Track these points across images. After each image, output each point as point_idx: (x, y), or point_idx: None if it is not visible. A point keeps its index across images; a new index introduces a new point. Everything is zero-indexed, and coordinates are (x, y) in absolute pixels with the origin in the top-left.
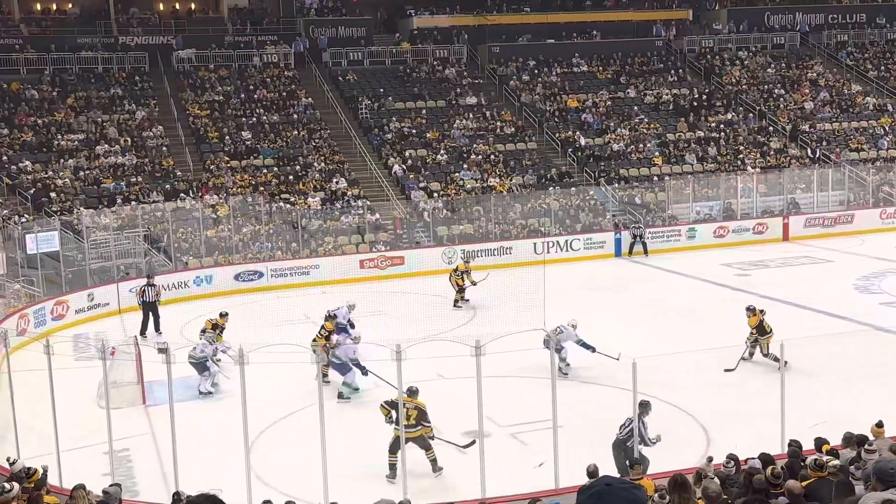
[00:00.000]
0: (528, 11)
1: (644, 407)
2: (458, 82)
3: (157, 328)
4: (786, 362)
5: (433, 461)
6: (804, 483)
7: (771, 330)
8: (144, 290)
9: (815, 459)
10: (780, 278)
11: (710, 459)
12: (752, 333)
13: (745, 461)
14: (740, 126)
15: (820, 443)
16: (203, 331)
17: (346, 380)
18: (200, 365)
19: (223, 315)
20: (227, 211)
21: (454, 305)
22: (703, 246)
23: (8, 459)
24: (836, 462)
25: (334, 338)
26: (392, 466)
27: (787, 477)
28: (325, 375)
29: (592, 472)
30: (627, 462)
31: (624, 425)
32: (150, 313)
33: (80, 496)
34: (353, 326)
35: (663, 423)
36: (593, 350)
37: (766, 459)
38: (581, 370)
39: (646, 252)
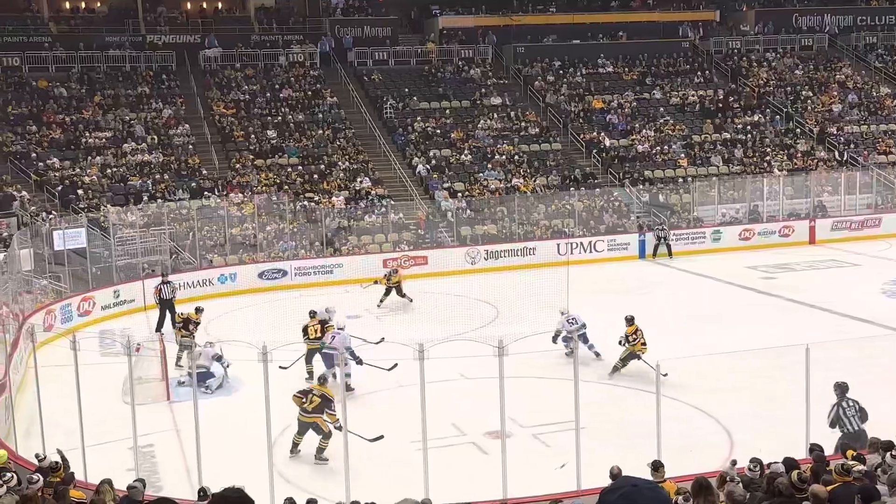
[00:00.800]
0: (554, 12)
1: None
2: (482, 82)
3: (159, 327)
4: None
5: (321, 449)
6: (829, 488)
7: (644, 344)
8: (160, 289)
9: (842, 464)
10: (805, 282)
11: (733, 463)
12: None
13: (769, 465)
14: (767, 128)
15: (845, 448)
16: (180, 326)
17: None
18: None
19: (198, 310)
20: (252, 209)
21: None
22: (728, 248)
23: (36, 456)
24: (862, 467)
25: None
26: (295, 445)
27: (811, 482)
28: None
29: (616, 474)
30: (651, 464)
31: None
32: (167, 311)
33: (106, 490)
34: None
35: (688, 425)
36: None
37: (790, 464)
38: (603, 369)
39: (670, 254)
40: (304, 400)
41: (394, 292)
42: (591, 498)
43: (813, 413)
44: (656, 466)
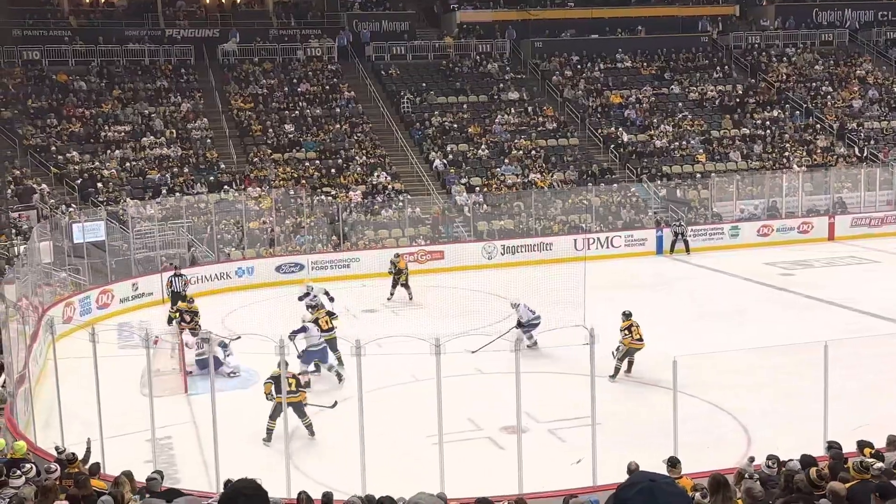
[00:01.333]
0: (572, 6)
1: None
2: (500, 77)
3: (170, 319)
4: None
5: (309, 426)
6: (847, 485)
7: (640, 338)
8: (172, 281)
9: (861, 461)
10: (824, 278)
11: (751, 459)
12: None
13: (786, 462)
14: (786, 123)
15: (863, 445)
16: (174, 320)
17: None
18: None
19: (190, 301)
20: (270, 203)
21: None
22: (746, 245)
23: (56, 448)
24: (881, 464)
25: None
26: (269, 431)
27: (829, 479)
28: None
29: (633, 470)
30: (667, 460)
31: None
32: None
33: (124, 482)
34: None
35: (705, 422)
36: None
37: (808, 461)
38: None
39: (687, 250)
40: (273, 387)
41: (403, 284)
42: (607, 493)
43: (831, 410)
44: (673, 463)
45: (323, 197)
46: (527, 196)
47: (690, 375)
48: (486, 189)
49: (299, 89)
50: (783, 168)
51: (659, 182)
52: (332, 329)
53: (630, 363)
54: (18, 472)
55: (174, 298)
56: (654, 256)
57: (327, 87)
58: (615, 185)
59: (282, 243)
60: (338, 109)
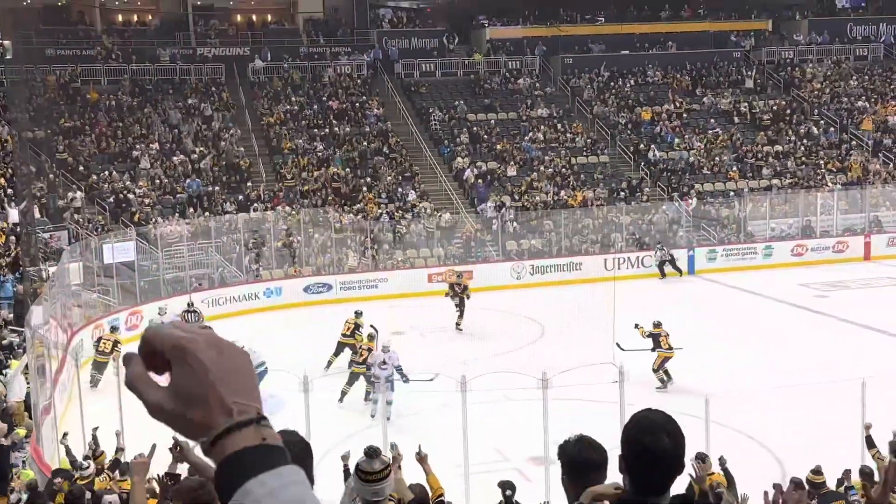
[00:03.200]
0: (602, 22)
1: None
2: (529, 94)
3: None
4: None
5: (367, 392)
6: None
7: (669, 347)
8: (184, 318)
9: None
10: (860, 301)
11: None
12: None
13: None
14: (821, 140)
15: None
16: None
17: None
18: None
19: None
20: (299, 221)
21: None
22: (780, 265)
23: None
24: None
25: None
26: (343, 394)
27: None
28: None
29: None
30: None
31: None
32: None
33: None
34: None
35: (737, 453)
36: (407, 380)
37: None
38: (647, 393)
39: (680, 272)
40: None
41: (464, 301)
42: None
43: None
44: (702, 458)
45: (352, 215)
46: (556, 215)
47: (722, 406)
48: (517, 205)
49: (329, 106)
50: (817, 186)
51: (691, 200)
52: (348, 335)
53: (667, 372)
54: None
55: None
56: (687, 276)
57: (357, 105)
58: (646, 202)
59: (311, 263)
60: (367, 127)
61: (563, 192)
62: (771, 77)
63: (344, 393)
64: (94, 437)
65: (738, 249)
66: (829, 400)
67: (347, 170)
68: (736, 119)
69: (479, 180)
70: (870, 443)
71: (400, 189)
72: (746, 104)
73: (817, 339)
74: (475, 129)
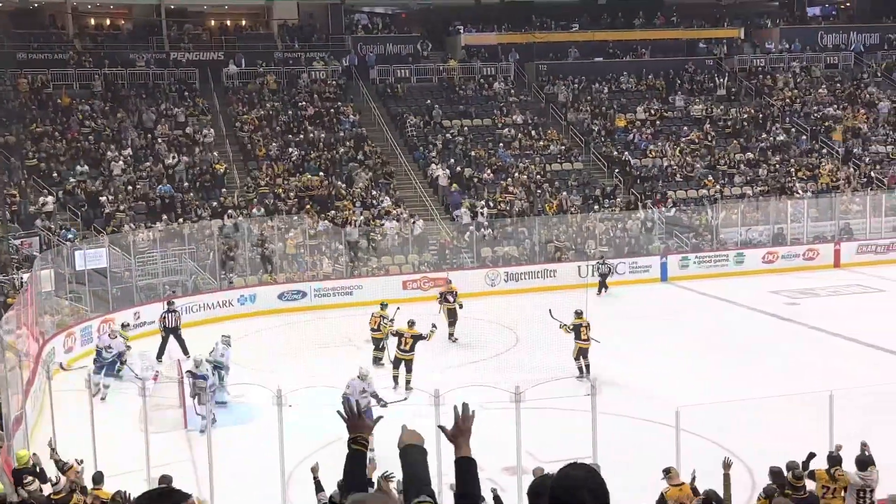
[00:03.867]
0: (577, 29)
1: None
2: (504, 100)
3: (185, 353)
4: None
5: (408, 382)
6: None
7: (587, 339)
8: (165, 317)
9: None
10: (830, 308)
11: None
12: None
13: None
14: (792, 147)
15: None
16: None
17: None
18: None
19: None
20: (273, 228)
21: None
22: (751, 272)
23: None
24: None
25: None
26: (396, 378)
27: None
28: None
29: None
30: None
31: None
32: (173, 339)
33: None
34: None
35: (709, 464)
36: (385, 404)
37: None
38: (622, 403)
39: (602, 289)
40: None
41: (454, 314)
42: None
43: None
44: (667, 471)
45: (328, 222)
46: (531, 222)
47: (695, 416)
48: (492, 212)
49: (304, 112)
50: (788, 192)
51: (664, 207)
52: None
53: (587, 366)
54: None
55: (167, 334)
56: (659, 283)
57: (332, 110)
58: (619, 210)
59: (284, 270)
60: (342, 133)
61: (536, 199)
62: (742, 84)
63: (396, 378)
64: (53, 451)
65: (710, 257)
66: (799, 409)
67: (321, 175)
68: (708, 126)
69: (453, 186)
70: (833, 461)
71: (374, 194)
72: (720, 111)
73: (788, 347)
74: (450, 135)
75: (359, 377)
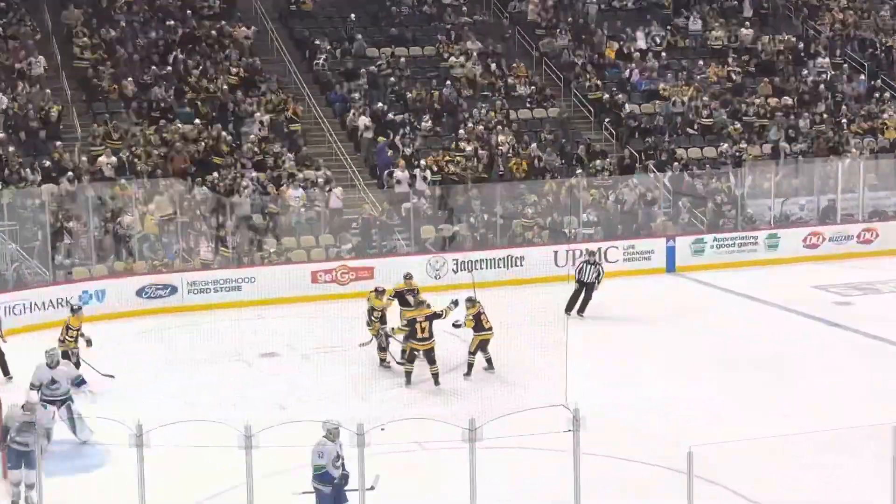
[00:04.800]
0: None
1: None
2: (453, 22)
3: (5, 373)
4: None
5: (435, 375)
6: None
7: (490, 328)
8: None
9: None
10: (895, 308)
11: None
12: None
13: None
14: (844, 90)
15: None
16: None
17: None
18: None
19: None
20: (130, 197)
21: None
22: (788, 259)
23: None
24: None
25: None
26: (409, 374)
27: None
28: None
29: None
30: None
31: None
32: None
33: None
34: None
35: None
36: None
37: None
38: (613, 441)
39: (581, 309)
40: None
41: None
42: None
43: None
44: None
45: (205, 188)
46: (490, 189)
47: (713, 458)
48: (435, 177)
49: (173, 36)
50: (839, 152)
51: (670, 169)
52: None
53: (489, 360)
54: None
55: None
56: (664, 274)
57: (213, 32)
58: (610, 174)
59: (145, 256)
60: (227, 63)
61: (497, 159)
62: (778, 3)
63: (409, 374)
64: None
65: (732, 239)
66: (856, 447)
67: (197, 122)
68: (731, 59)
69: (381, 139)
70: None
71: (273, 151)
72: (747, 38)
73: (838, 362)
74: (377, 68)
75: (326, 437)
